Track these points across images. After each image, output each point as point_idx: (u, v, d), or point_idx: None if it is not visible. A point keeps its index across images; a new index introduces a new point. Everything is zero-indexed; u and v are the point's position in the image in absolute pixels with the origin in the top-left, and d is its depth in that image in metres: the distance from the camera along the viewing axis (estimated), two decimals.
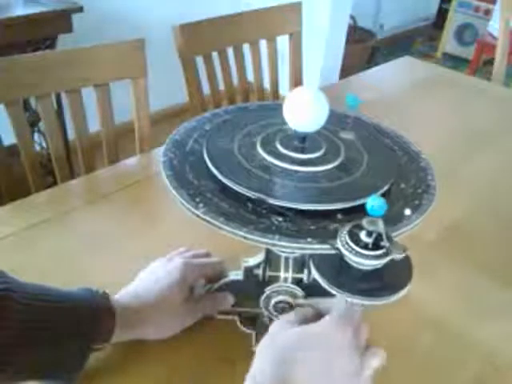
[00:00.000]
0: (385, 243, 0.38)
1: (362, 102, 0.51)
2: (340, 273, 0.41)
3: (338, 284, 0.40)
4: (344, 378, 0.39)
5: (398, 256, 0.38)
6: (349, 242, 0.38)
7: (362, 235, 0.39)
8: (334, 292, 0.40)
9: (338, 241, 0.39)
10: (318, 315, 0.44)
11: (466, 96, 1.31)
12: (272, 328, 0.43)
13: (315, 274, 0.41)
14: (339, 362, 0.40)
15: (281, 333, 0.41)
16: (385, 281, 0.40)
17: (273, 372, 0.38)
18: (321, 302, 0.46)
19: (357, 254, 0.38)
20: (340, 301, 0.43)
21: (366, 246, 0.38)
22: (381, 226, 0.38)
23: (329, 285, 0.40)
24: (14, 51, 0.89)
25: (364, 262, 0.38)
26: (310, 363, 0.39)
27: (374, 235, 0.38)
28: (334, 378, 0.39)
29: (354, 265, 0.39)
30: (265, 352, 0.41)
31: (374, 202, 0.38)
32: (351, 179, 0.47)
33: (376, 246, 0.38)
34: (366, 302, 0.40)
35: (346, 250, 0.38)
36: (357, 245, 0.38)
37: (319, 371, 0.39)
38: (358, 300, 0.40)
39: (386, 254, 0.38)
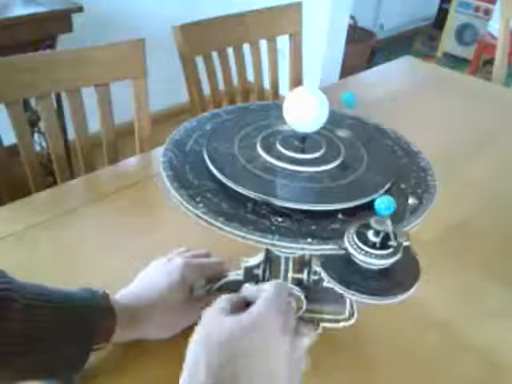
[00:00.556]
0: (392, 242, 0.38)
1: (355, 97, 0.51)
2: (347, 272, 0.41)
3: (346, 283, 0.40)
4: (279, 360, 0.39)
5: (403, 243, 0.38)
6: (357, 241, 0.39)
7: (370, 235, 0.39)
8: (341, 291, 0.40)
9: (346, 240, 0.39)
10: (246, 302, 0.43)
11: (466, 96, 1.31)
12: (203, 321, 0.41)
13: (322, 274, 0.41)
14: (274, 345, 0.39)
15: (213, 326, 0.40)
16: (392, 280, 0.40)
17: (209, 367, 0.37)
18: (248, 288, 0.45)
19: (365, 253, 0.38)
20: (267, 287, 0.43)
21: (373, 246, 0.38)
22: (389, 225, 0.38)
23: (336, 284, 0.40)
24: (14, 51, 0.89)
25: (372, 261, 0.38)
26: (248, 353, 0.38)
27: (381, 234, 0.38)
28: (270, 362, 0.39)
29: (362, 264, 0.39)
30: (200, 348, 0.39)
31: (382, 201, 0.38)
32: (351, 179, 0.47)
33: (384, 245, 0.38)
34: (374, 301, 0.39)
35: (354, 249, 0.38)
36: (365, 244, 0.38)
37: (256, 358, 0.38)
38: (365, 300, 0.39)
39: (393, 253, 0.38)
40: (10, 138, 0.92)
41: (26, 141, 0.92)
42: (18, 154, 0.91)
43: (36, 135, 1.59)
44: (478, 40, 2.91)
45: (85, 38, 1.12)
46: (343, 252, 0.40)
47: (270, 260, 0.53)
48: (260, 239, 0.40)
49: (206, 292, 0.58)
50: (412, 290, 0.40)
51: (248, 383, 0.37)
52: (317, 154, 0.49)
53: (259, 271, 0.54)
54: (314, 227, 0.42)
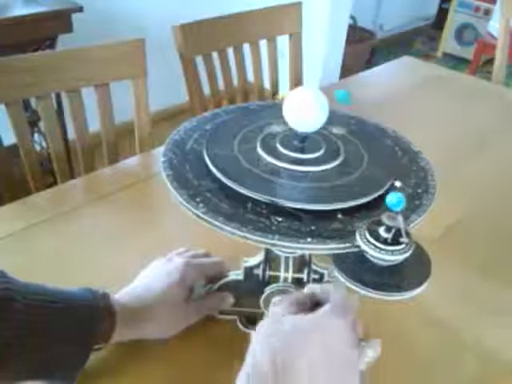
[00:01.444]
0: (404, 239, 0.38)
1: (350, 94, 0.51)
2: (359, 270, 0.41)
3: (359, 280, 0.40)
4: (342, 366, 0.39)
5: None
6: (369, 237, 0.39)
7: (381, 231, 0.39)
8: (353, 287, 0.40)
9: (358, 237, 0.39)
10: (312, 301, 0.43)
11: (466, 96, 1.31)
12: (271, 314, 0.42)
13: (334, 270, 0.41)
14: (338, 350, 0.39)
15: (282, 320, 0.40)
16: (404, 276, 0.41)
17: (274, 360, 0.37)
18: (318, 290, 0.45)
19: (377, 249, 0.38)
20: (339, 290, 0.42)
21: (385, 242, 0.39)
22: (400, 222, 0.38)
23: (348, 280, 0.40)
24: (14, 51, 0.89)
25: (384, 257, 0.38)
26: (313, 352, 0.38)
27: (393, 230, 0.38)
28: (332, 366, 0.39)
29: (374, 260, 0.39)
30: (265, 340, 0.39)
31: (394, 197, 0.38)
32: (351, 179, 0.47)
33: (395, 241, 0.39)
34: (385, 297, 0.40)
35: (366, 245, 0.39)
36: (376, 240, 0.39)
37: (319, 359, 0.38)
38: (377, 295, 0.40)
39: (405, 250, 0.39)
40: (10, 138, 0.92)
41: (26, 141, 0.92)
42: (18, 153, 0.91)
43: (36, 135, 1.59)
44: (477, 40, 2.91)
45: (85, 38, 1.12)
46: (354, 250, 0.40)
47: (270, 260, 0.53)
48: (260, 239, 0.40)
49: (206, 292, 0.58)
50: (423, 287, 0.41)
51: (304, 377, 0.37)
52: (317, 154, 0.49)
53: (259, 271, 0.54)
54: (313, 227, 0.42)
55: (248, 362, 0.38)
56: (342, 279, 0.41)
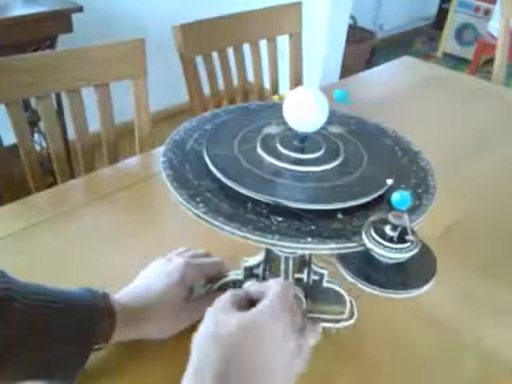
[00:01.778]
0: (410, 237, 0.39)
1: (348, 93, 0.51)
2: (364, 267, 0.41)
3: (363, 278, 0.40)
4: (286, 356, 0.40)
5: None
6: (374, 235, 0.39)
7: (387, 229, 0.39)
8: (359, 286, 0.41)
9: (364, 235, 0.40)
10: (249, 299, 0.44)
11: (466, 96, 1.31)
12: (208, 318, 0.41)
13: (340, 268, 0.42)
14: (280, 342, 0.40)
15: (220, 321, 0.40)
16: (409, 275, 0.41)
17: (215, 362, 0.37)
18: (250, 286, 0.45)
19: (383, 247, 0.39)
20: (273, 284, 0.43)
21: (391, 240, 0.39)
22: (406, 220, 0.38)
23: (354, 278, 0.41)
24: (14, 51, 0.89)
25: (390, 255, 0.39)
26: (249, 350, 0.39)
27: (398, 229, 0.39)
28: (276, 358, 0.39)
29: (380, 258, 0.39)
30: (204, 344, 0.39)
31: (400, 196, 0.39)
32: (351, 179, 0.47)
33: (401, 239, 0.39)
34: (391, 295, 0.40)
35: (373, 243, 0.39)
36: (382, 238, 0.39)
37: (258, 357, 0.39)
38: (383, 294, 0.40)
39: (411, 248, 0.39)
40: (10, 138, 0.92)
41: (26, 141, 0.92)
42: (18, 153, 0.92)
43: (36, 135, 1.59)
44: (477, 40, 2.91)
45: (85, 38, 1.12)
46: (354, 250, 0.40)
47: (270, 260, 0.53)
48: (260, 239, 0.40)
49: (205, 292, 0.58)
50: (429, 285, 0.41)
51: (252, 378, 0.38)
52: (317, 154, 0.49)
53: (259, 271, 0.54)
54: (313, 227, 0.42)
55: (189, 372, 0.38)
56: (349, 277, 0.41)
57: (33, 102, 1.44)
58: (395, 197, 0.39)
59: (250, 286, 0.46)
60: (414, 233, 0.39)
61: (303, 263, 0.52)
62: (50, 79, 0.91)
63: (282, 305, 0.41)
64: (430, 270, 0.42)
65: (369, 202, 0.44)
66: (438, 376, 0.56)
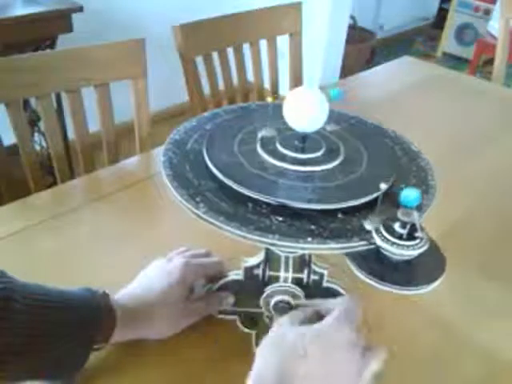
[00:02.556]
0: (419, 233, 0.39)
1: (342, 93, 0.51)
2: (374, 264, 0.42)
3: (373, 275, 0.41)
4: (344, 376, 0.40)
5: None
6: (384, 233, 0.40)
7: (396, 227, 0.40)
8: (370, 282, 0.41)
9: (373, 233, 0.40)
10: (319, 315, 0.44)
11: (466, 96, 1.31)
12: (275, 328, 0.43)
13: (351, 265, 0.42)
14: (340, 360, 0.40)
15: (285, 332, 0.41)
16: (419, 271, 0.42)
17: (277, 371, 0.38)
18: (321, 303, 0.46)
19: (393, 244, 0.39)
20: (341, 301, 0.43)
21: (400, 237, 0.39)
22: (415, 217, 0.39)
23: (364, 275, 0.41)
24: (14, 51, 0.89)
25: (400, 251, 0.39)
26: (313, 362, 0.39)
27: (408, 226, 0.39)
28: (334, 377, 0.39)
29: (390, 256, 0.40)
30: (268, 352, 0.41)
31: (409, 193, 0.39)
32: (351, 178, 0.47)
33: (410, 236, 0.39)
34: (401, 291, 0.40)
35: (383, 241, 0.39)
36: (392, 235, 0.39)
37: (321, 369, 0.39)
38: (394, 290, 0.40)
39: (421, 244, 0.39)
40: (9, 138, 0.92)
41: (26, 141, 0.92)
42: (18, 153, 0.91)
43: (36, 135, 1.59)
44: (477, 40, 2.91)
45: (85, 38, 1.12)
46: (362, 248, 0.41)
47: (270, 260, 0.53)
48: (260, 238, 0.40)
49: (206, 292, 0.58)
50: (439, 281, 0.42)
51: None
52: (317, 154, 0.49)
53: (259, 271, 0.54)
54: (313, 226, 0.42)
55: (252, 376, 0.39)
56: (359, 275, 0.41)
57: (33, 102, 1.44)
58: (405, 194, 0.39)
59: (320, 303, 0.46)
60: (422, 230, 0.40)
61: (303, 263, 0.52)
62: (50, 79, 0.91)
63: (347, 319, 0.42)
64: (439, 266, 0.43)
65: (369, 202, 0.44)
66: (438, 375, 0.56)
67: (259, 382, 0.38)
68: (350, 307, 0.43)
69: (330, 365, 0.39)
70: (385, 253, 0.40)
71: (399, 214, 0.40)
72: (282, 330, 0.42)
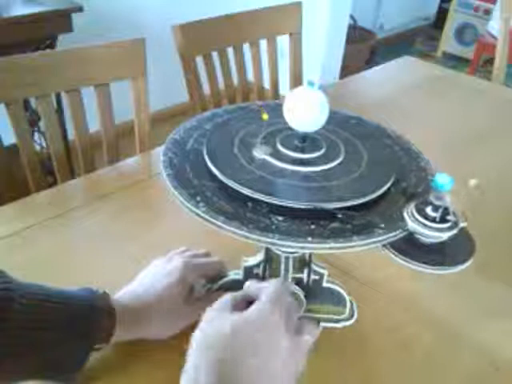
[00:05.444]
0: (451, 217, 0.41)
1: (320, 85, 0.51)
2: (407, 246, 0.43)
3: (408, 255, 0.43)
4: (279, 357, 0.40)
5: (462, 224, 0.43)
6: (417, 216, 0.42)
7: (429, 210, 0.42)
8: (403, 263, 0.43)
9: (406, 216, 0.42)
10: (248, 299, 0.44)
11: (466, 96, 1.31)
12: (204, 319, 0.42)
13: (387, 250, 0.43)
14: (276, 342, 0.40)
15: (215, 324, 0.41)
16: (449, 253, 0.44)
17: (207, 367, 0.38)
18: (250, 286, 0.46)
19: (426, 226, 0.41)
20: (268, 285, 0.44)
21: (433, 220, 0.41)
22: (447, 200, 0.41)
23: (399, 256, 0.43)
24: (14, 51, 0.89)
25: (434, 234, 0.41)
26: (249, 349, 0.39)
27: (440, 209, 0.41)
28: (270, 360, 0.39)
29: (423, 238, 0.42)
30: (199, 346, 0.40)
31: (444, 178, 0.41)
32: (351, 179, 0.47)
33: (442, 219, 0.41)
34: (434, 271, 0.43)
35: (416, 223, 0.41)
36: (425, 219, 0.41)
37: (257, 355, 0.39)
38: (426, 270, 0.42)
39: (452, 227, 0.41)
40: (9, 138, 0.92)
41: (26, 141, 0.92)
42: (18, 154, 0.91)
43: (36, 135, 1.59)
44: (477, 40, 2.91)
45: (85, 38, 1.12)
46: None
47: (270, 259, 0.53)
48: (260, 238, 0.40)
49: (206, 292, 0.58)
50: (469, 262, 0.44)
51: (248, 380, 0.38)
52: (317, 154, 0.49)
53: (259, 271, 0.54)
54: (313, 226, 0.42)
55: (184, 374, 0.38)
56: (396, 258, 0.43)
57: (33, 102, 1.44)
58: (439, 179, 0.41)
59: (249, 286, 0.46)
60: (454, 213, 0.42)
61: (303, 262, 0.52)
62: (50, 79, 0.91)
63: (273, 306, 0.42)
64: (469, 248, 0.45)
65: (369, 202, 0.44)
66: (437, 375, 0.56)
67: (191, 379, 0.37)
68: (274, 291, 0.43)
69: (268, 348, 0.39)
70: (417, 236, 0.42)
71: (432, 198, 0.41)
72: (212, 319, 0.41)
